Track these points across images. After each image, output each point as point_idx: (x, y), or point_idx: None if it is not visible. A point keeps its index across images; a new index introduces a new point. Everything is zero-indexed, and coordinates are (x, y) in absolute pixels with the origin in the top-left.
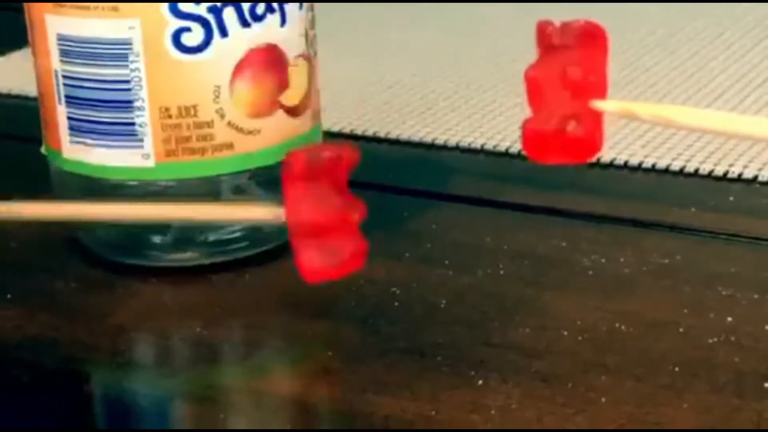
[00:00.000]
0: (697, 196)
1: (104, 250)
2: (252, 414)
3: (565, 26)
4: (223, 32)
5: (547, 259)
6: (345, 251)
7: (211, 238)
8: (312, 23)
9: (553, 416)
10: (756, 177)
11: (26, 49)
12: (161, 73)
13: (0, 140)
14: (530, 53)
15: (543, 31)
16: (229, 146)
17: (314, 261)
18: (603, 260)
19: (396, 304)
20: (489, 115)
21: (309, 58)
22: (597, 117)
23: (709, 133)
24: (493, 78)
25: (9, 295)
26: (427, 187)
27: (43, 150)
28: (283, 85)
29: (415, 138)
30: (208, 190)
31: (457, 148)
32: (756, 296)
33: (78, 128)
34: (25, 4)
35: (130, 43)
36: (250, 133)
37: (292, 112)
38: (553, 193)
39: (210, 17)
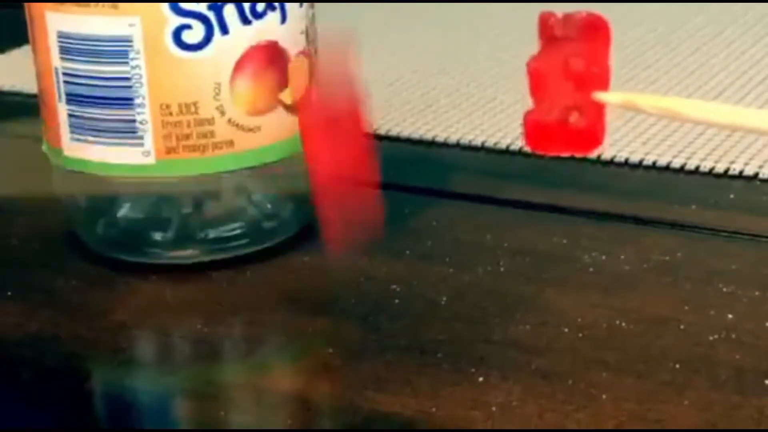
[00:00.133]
0: (698, 193)
1: (104, 248)
2: (253, 411)
3: (568, 17)
4: (224, 29)
5: (547, 256)
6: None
7: (212, 235)
8: (312, 21)
9: (554, 413)
10: (757, 174)
11: (26, 46)
12: (162, 71)
13: (0, 138)
14: (531, 50)
15: (545, 23)
16: (230, 143)
17: None
18: (604, 257)
19: (396, 301)
20: (489, 113)
21: (309, 55)
22: (599, 109)
23: (712, 126)
24: (493, 75)
25: (9, 293)
26: (427, 185)
27: (43, 148)
28: (283, 82)
29: (416, 135)
30: (208, 187)
31: (457, 145)
32: (756, 293)
33: (78, 126)
34: (25, 2)
35: (131, 41)
36: (250, 130)
37: (293, 109)
38: (554, 190)
39: (210, 14)
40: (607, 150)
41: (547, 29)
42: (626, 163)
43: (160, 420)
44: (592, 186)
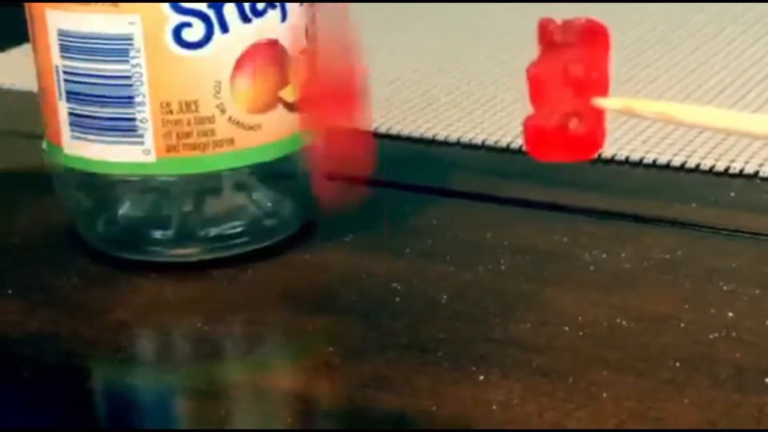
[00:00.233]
0: (698, 191)
1: (105, 246)
2: (253, 409)
3: (567, 24)
4: (224, 28)
5: (548, 255)
6: None
7: (212, 233)
8: (312, 19)
9: (554, 411)
10: (757, 173)
11: (27, 44)
12: (162, 69)
13: (1, 136)
14: (531, 49)
15: (544, 29)
16: (230, 142)
17: None
18: (604, 255)
19: (397, 299)
20: (490, 111)
21: (310, 53)
22: (599, 114)
23: (710, 131)
24: (494, 74)
25: (10, 291)
26: (428, 183)
27: (44, 146)
28: (283, 80)
29: (416, 134)
30: (208, 185)
31: (458, 143)
32: (757, 291)
33: (79, 124)
34: (26, 1)
35: (131, 39)
36: (250, 128)
37: (293, 107)
38: (554, 189)
39: (211, 13)
40: (607, 149)
41: (546, 35)
42: (626, 161)
43: (161, 419)
44: (592, 184)
